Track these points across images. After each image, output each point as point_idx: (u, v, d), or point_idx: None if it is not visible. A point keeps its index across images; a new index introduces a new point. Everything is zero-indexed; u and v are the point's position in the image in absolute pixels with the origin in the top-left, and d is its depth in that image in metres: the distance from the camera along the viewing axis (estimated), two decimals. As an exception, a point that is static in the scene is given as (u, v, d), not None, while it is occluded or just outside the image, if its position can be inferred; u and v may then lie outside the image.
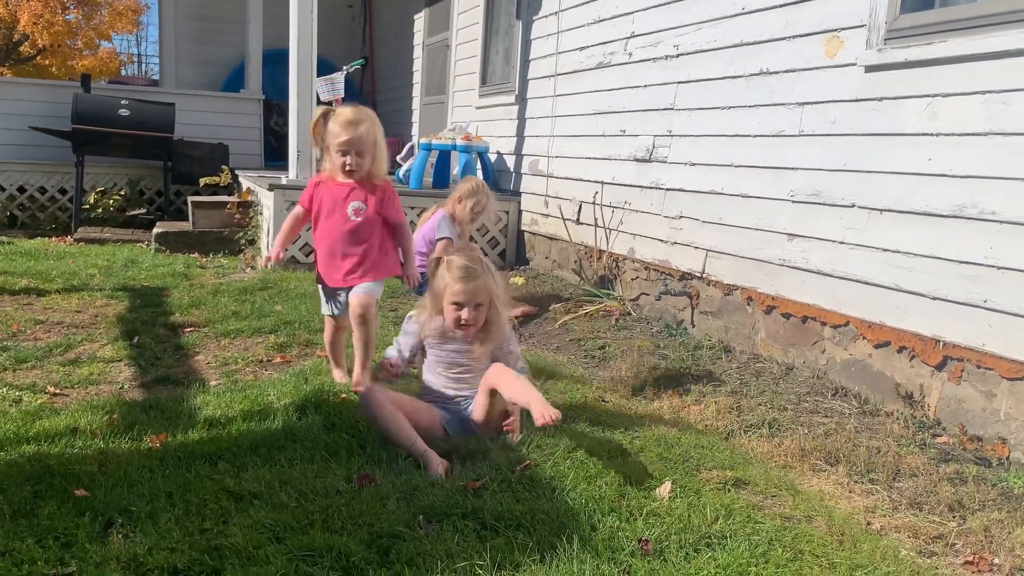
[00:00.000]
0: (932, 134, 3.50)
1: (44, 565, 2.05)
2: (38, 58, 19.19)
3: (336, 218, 3.47)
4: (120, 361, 4.09)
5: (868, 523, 2.64)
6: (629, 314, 5.37)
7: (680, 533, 2.36)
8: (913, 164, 3.58)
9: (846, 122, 3.93)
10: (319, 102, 7.28)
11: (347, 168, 3.41)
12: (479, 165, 7.58)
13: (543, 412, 2.66)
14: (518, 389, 2.85)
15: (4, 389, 3.51)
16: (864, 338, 3.82)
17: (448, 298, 2.96)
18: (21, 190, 9.28)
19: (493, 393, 2.93)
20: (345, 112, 3.38)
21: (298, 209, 3.62)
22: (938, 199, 3.46)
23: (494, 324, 3.04)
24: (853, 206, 3.88)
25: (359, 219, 3.44)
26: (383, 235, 3.55)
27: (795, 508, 2.65)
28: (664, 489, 2.67)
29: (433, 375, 3.16)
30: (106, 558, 2.09)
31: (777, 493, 2.77)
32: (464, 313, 2.95)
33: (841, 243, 3.94)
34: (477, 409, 3.04)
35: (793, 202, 4.23)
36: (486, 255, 6.20)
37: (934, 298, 3.47)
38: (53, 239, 8.35)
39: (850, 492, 2.89)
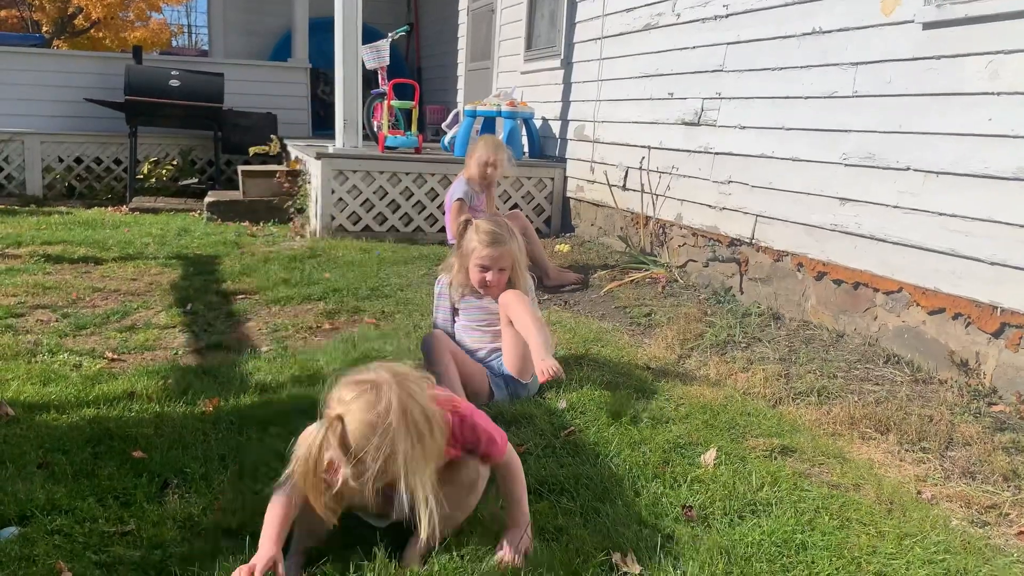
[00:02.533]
0: (993, 93, 3.37)
1: (105, 523, 2.13)
2: (92, 31, 19.55)
3: None
4: (174, 328, 4.19)
5: (919, 492, 2.60)
6: (676, 281, 5.32)
7: (725, 500, 2.35)
8: (972, 125, 3.45)
9: (902, 82, 3.80)
10: (364, 69, 7.30)
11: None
12: (524, 131, 7.53)
13: (542, 366, 2.76)
14: (525, 322, 3.01)
15: (65, 355, 3.63)
16: (918, 304, 3.72)
17: (474, 260, 3.17)
18: (78, 161, 9.51)
19: (510, 323, 3.10)
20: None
21: None
22: (998, 161, 3.34)
23: (516, 286, 3.21)
24: (908, 169, 3.76)
25: None
26: None
27: (843, 476, 2.62)
28: (709, 456, 2.66)
29: (467, 336, 3.32)
30: (163, 517, 2.16)
31: (825, 461, 2.74)
32: (489, 276, 3.16)
33: (895, 207, 3.83)
34: (506, 354, 3.17)
35: (846, 166, 4.12)
36: (531, 221, 6.19)
37: (992, 263, 3.36)
38: (109, 209, 8.56)
39: (900, 461, 2.84)
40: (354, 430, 1.72)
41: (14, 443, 2.57)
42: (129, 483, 2.35)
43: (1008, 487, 2.63)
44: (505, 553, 1.98)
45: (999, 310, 3.34)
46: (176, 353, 3.79)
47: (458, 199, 5.29)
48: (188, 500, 2.27)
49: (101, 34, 19.63)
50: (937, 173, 3.62)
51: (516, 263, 3.19)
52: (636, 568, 1.97)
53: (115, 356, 3.69)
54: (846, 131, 4.12)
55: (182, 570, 1.88)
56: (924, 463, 2.82)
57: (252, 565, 1.80)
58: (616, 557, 2.00)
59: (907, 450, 2.91)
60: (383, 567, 1.90)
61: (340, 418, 1.73)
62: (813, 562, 2.05)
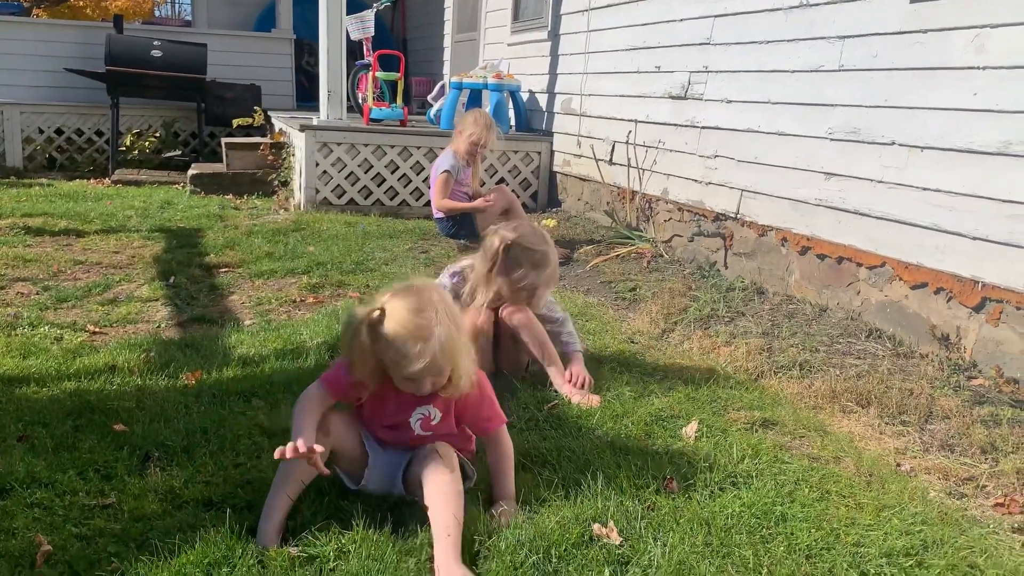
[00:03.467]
0: (979, 67, 3.36)
1: (85, 496, 2.13)
2: (72, -1, 19.16)
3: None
4: (157, 301, 4.16)
5: (898, 464, 2.63)
6: (661, 256, 5.33)
7: (706, 472, 2.37)
8: (958, 99, 3.45)
9: (888, 56, 3.79)
10: (349, 40, 7.21)
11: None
12: (511, 104, 7.48)
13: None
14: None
15: (46, 327, 3.60)
16: (900, 279, 3.74)
17: (524, 283, 2.92)
18: (59, 132, 9.38)
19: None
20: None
21: None
22: (982, 135, 3.34)
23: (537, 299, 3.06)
24: (893, 144, 3.76)
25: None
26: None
27: (823, 449, 2.64)
28: (690, 429, 2.68)
29: None
30: (144, 490, 2.16)
31: (805, 434, 2.76)
32: (537, 294, 2.99)
33: (880, 182, 3.84)
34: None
35: (831, 140, 4.12)
36: (517, 196, 6.17)
37: (974, 238, 3.37)
38: (91, 181, 8.46)
39: (880, 434, 2.87)
40: (397, 311, 1.91)
41: (-7, 416, 2.56)
42: (110, 456, 2.34)
43: (986, 459, 2.66)
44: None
45: (980, 284, 3.36)
46: (158, 326, 3.77)
47: (445, 171, 5.27)
48: (170, 473, 2.26)
49: (82, 3, 19.28)
50: (922, 148, 3.62)
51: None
52: (617, 539, 1.98)
53: (97, 329, 3.66)
54: (832, 105, 4.11)
55: (163, 542, 1.87)
56: (903, 436, 2.85)
57: (296, 443, 1.85)
58: (597, 528, 2.01)
59: (887, 423, 2.94)
60: (364, 539, 1.90)
61: (382, 307, 1.92)
62: (792, 533, 2.07)
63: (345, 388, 2.07)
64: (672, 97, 5.43)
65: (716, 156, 5.01)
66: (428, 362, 1.90)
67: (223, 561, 1.81)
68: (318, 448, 1.89)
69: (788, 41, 4.40)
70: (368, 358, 1.97)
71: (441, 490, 1.93)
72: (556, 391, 2.96)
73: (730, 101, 4.88)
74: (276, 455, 1.84)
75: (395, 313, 1.92)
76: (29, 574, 1.79)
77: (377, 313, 1.93)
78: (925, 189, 3.60)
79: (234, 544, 1.86)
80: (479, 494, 2.17)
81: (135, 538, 1.94)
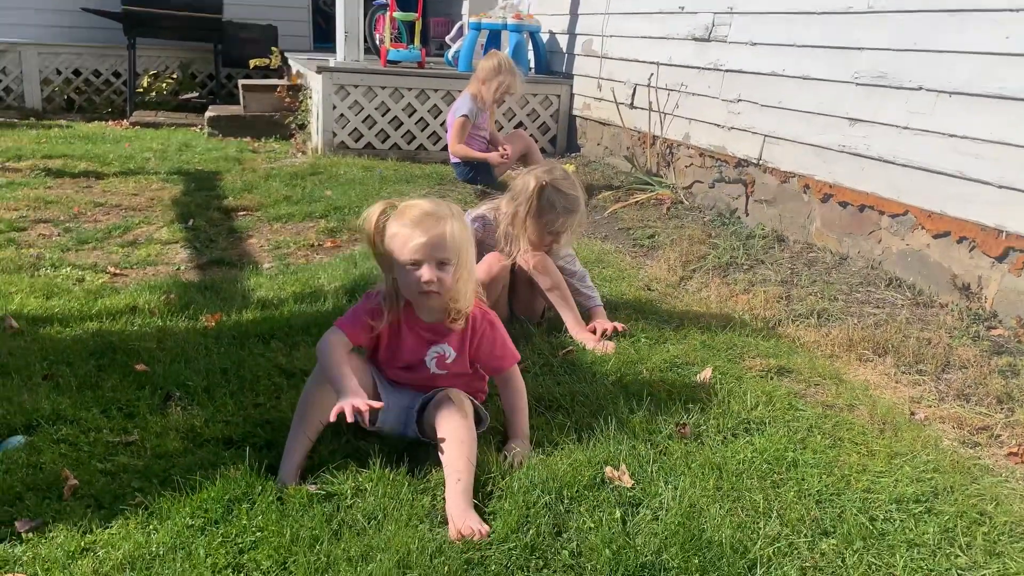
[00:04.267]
0: (1013, 9, 3.25)
1: (109, 433, 2.18)
2: (87, -63, 18.90)
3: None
4: (176, 243, 4.19)
5: (912, 413, 2.63)
6: (681, 202, 5.28)
7: (719, 418, 2.38)
8: (989, 43, 3.35)
9: (919, -3, 3.68)
10: (366, -21, 7.08)
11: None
12: (530, 46, 7.35)
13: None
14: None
15: (68, 269, 3.64)
16: (923, 228, 3.69)
17: (555, 227, 2.94)
18: (76, 73, 9.34)
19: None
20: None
21: None
22: (1014, 80, 3.25)
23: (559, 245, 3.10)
24: (920, 89, 3.67)
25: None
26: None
27: (838, 397, 2.65)
28: (705, 375, 2.69)
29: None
30: (166, 428, 2.20)
31: (820, 382, 2.77)
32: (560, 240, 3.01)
33: (905, 128, 3.76)
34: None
35: (857, 84, 4.03)
36: (536, 141, 6.11)
37: (1000, 186, 3.31)
38: (109, 123, 8.46)
39: (896, 383, 2.86)
40: (412, 201, 2.03)
41: (19, 355, 2.61)
42: (132, 395, 2.39)
43: (1001, 409, 2.65)
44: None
45: (1004, 234, 3.31)
46: (178, 268, 3.80)
47: (463, 115, 5.21)
48: (191, 412, 2.31)
49: (97, -60, 19.07)
50: (950, 93, 3.53)
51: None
52: (628, 481, 2.01)
53: (117, 271, 3.70)
54: (859, 48, 4.01)
55: (185, 478, 1.92)
56: (920, 385, 2.84)
57: (353, 401, 1.87)
58: (609, 471, 2.03)
59: (903, 372, 2.93)
60: (380, 478, 1.94)
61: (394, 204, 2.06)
62: (803, 479, 2.08)
63: (363, 327, 2.10)
64: (696, 39, 5.32)
65: (739, 100, 4.92)
66: (436, 236, 1.97)
67: (243, 497, 1.86)
68: (376, 405, 1.94)
69: (816, -19, 4.27)
70: (383, 256, 2.06)
71: (455, 435, 1.96)
72: (571, 337, 2.97)
73: (755, 43, 4.77)
74: (332, 418, 1.89)
75: (410, 202, 2.06)
76: (57, 506, 1.85)
77: (396, 201, 2.06)
78: (952, 136, 3.53)
79: (254, 481, 1.91)
80: (491, 437, 2.19)
81: (158, 474, 1.99)
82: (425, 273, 1.99)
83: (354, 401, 1.88)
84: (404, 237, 1.98)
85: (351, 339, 2.10)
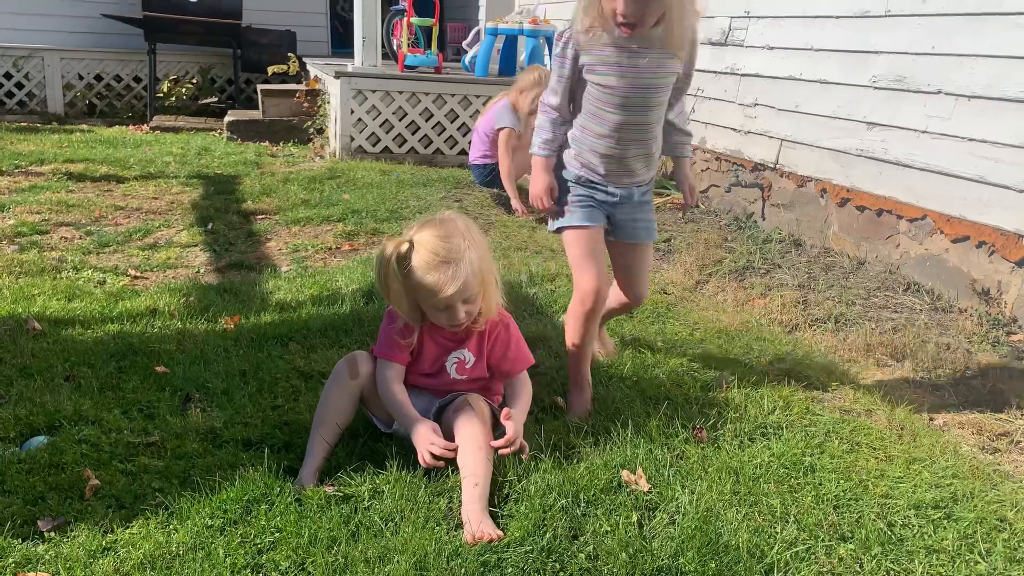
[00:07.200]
0: (1033, 12, 3.24)
1: (130, 434, 2.20)
2: (108, -56, 19.10)
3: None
4: (196, 246, 4.23)
5: (931, 419, 2.61)
6: (697, 206, 5.27)
7: (735, 422, 2.38)
8: (1008, 46, 3.33)
9: (937, 1, 3.66)
10: (384, -15, 7.12)
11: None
12: (546, 51, 7.36)
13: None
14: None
15: (89, 271, 3.68)
16: (941, 232, 3.67)
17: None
18: (98, 78, 9.44)
19: None
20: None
21: None
22: (1034, 84, 3.23)
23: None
24: (939, 92, 3.65)
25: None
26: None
27: (855, 402, 2.64)
28: (721, 379, 2.68)
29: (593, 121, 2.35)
30: (186, 430, 2.22)
31: (838, 387, 2.75)
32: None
33: (924, 132, 3.74)
34: None
35: (875, 88, 4.01)
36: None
37: (1020, 191, 3.29)
38: (130, 127, 8.54)
39: (915, 388, 2.84)
40: (425, 240, 1.97)
41: (41, 356, 2.64)
42: (153, 396, 2.41)
43: (1021, 415, 2.63)
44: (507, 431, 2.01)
45: (1025, 239, 3.29)
46: (197, 271, 3.84)
47: (508, 127, 5.18)
48: (210, 414, 2.33)
49: (118, -53, 19.28)
50: (969, 97, 3.51)
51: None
52: (645, 485, 2.01)
53: (138, 273, 3.74)
54: (877, 52, 3.99)
55: (204, 479, 1.94)
56: (938, 390, 2.82)
57: (434, 442, 1.95)
58: (626, 475, 2.03)
59: (922, 377, 2.91)
60: (397, 480, 1.95)
61: (410, 240, 1.98)
62: (820, 484, 2.08)
63: (400, 349, 2.13)
64: (712, 43, 5.31)
65: (756, 104, 4.91)
66: (461, 284, 1.96)
67: (262, 498, 1.88)
68: (451, 447, 1.96)
69: (834, -15, 4.26)
70: (403, 295, 2.03)
71: (473, 440, 1.97)
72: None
73: (771, 47, 4.76)
74: (426, 465, 1.96)
75: (424, 242, 1.99)
76: (79, 506, 1.87)
77: (406, 246, 1.98)
78: (971, 140, 3.50)
79: (272, 482, 1.92)
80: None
81: (178, 475, 2.01)
82: (457, 315, 2.03)
83: (432, 450, 1.94)
84: (429, 289, 1.97)
85: (400, 360, 2.14)
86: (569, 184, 2.43)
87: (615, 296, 2.65)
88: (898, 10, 3.87)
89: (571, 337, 2.45)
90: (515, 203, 5.16)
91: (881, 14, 3.96)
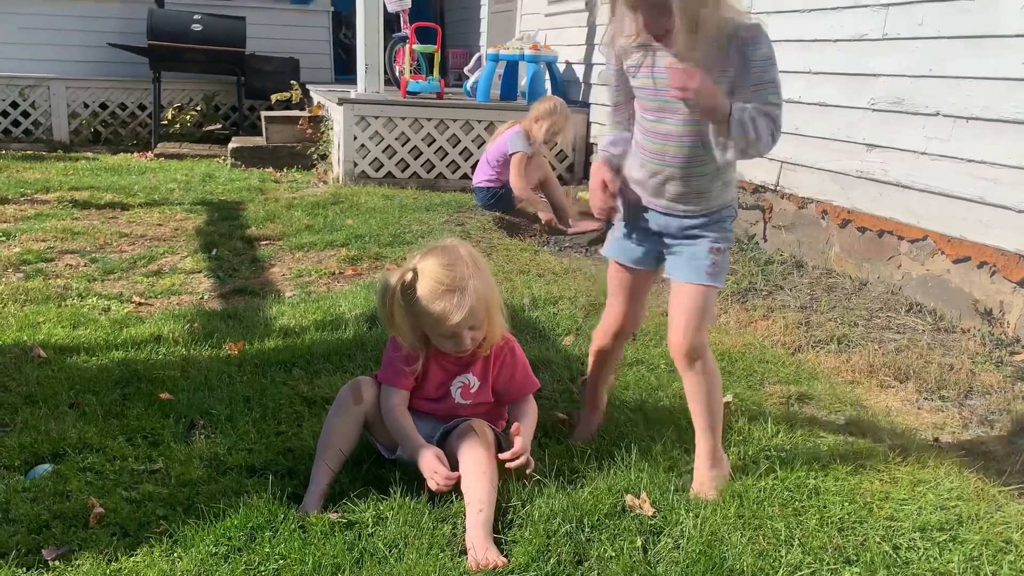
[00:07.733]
0: (1029, 35, 3.27)
1: (134, 461, 2.21)
2: (114, -26, 19.34)
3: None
4: (200, 272, 4.25)
5: (935, 439, 2.61)
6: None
7: (739, 445, 2.38)
8: (1006, 68, 3.36)
9: (934, 24, 3.69)
10: (386, 12, 7.21)
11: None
12: (547, 76, 7.43)
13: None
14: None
15: (94, 299, 3.70)
16: (943, 253, 3.68)
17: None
18: (103, 107, 9.54)
19: None
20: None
21: None
22: (1031, 106, 3.26)
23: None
24: (937, 114, 3.68)
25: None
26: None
27: (859, 423, 2.63)
28: (725, 402, 2.67)
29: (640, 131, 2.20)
30: (190, 456, 2.23)
31: (842, 408, 2.75)
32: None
33: (923, 154, 3.76)
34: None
35: (874, 111, 4.04)
36: (553, 168, 6.15)
37: (1020, 211, 3.30)
38: (135, 155, 8.62)
39: (918, 409, 2.84)
40: (429, 268, 1.98)
41: (46, 384, 2.65)
42: (157, 423, 2.42)
43: (1026, 436, 2.62)
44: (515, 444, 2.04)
45: (1026, 259, 3.30)
46: (201, 297, 3.86)
47: (521, 152, 5.23)
48: (214, 440, 2.33)
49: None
50: (967, 119, 3.54)
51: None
52: (649, 510, 2.00)
53: (142, 300, 3.76)
54: (875, 75, 4.03)
55: (208, 506, 1.94)
56: (942, 411, 2.82)
57: (437, 470, 1.95)
58: (630, 499, 2.03)
59: (925, 398, 2.91)
60: (401, 506, 1.95)
61: (414, 269, 2.00)
62: (825, 506, 2.07)
63: (405, 376, 2.13)
64: (711, 67, 5.35)
65: (755, 127, 4.94)
66: (467, 312, 1.96)
67: (266, 525, 1.88)
68: (454, 476, 1.97)
69: (831, 9, 4.30)
70: (407, 324, 2.03)
71: (478, 466, 1.97)
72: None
73: (770, 71, 4.80)
74: (436, 490, 1.97)
75: (428, 270, 1.99)
76: (83, 534, 1.87)
77: (410, 275, 1.99)
78: (970, 161, 3.52)
79: (276, 509, 1.92)
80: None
81: (182, 502, 2.01)
82: (464, 343, 2.04)
83: (435, 479, 1.96)
84: (435, 317, 1.98)
85: (404, 386, 2.14)
86: (622, 206, 2.21)
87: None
88: (895, 33, 3.91)
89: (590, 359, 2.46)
90: (543, 214, 5.23)
91: (879, 37, 4.00)
